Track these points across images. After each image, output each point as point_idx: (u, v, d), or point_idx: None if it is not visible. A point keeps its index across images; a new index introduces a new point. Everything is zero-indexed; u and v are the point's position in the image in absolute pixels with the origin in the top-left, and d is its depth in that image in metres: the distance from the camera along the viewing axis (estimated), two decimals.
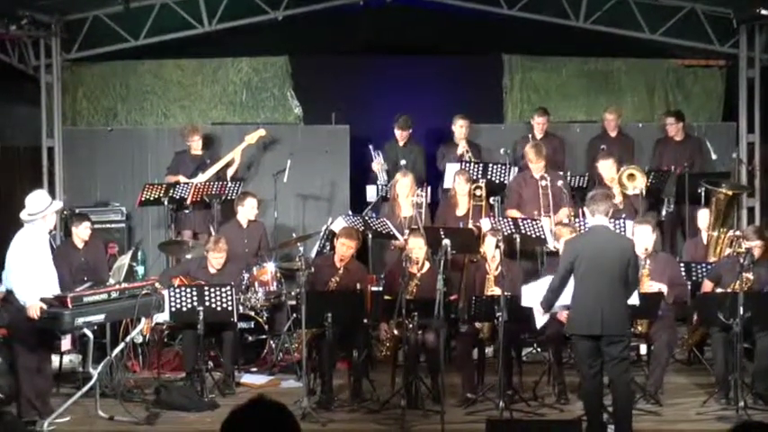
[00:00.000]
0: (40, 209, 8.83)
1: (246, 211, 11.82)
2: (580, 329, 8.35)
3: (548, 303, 8.63)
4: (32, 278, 8.67)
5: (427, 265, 10.10)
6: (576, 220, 11.29)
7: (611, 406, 8.50)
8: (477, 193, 11.84)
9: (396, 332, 9.70)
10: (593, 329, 8.23)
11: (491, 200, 12.01)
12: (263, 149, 13.42)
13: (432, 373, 9.70)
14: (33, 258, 8.74)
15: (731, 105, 13.84)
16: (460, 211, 11.81)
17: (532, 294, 9.12)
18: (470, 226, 11.48)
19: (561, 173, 12.16)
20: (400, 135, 12.96)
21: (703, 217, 11.66)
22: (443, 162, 12.77)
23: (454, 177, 11.97)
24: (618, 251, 8.33)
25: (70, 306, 8.55)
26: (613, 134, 13.21)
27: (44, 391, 9.01)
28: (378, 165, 12.83)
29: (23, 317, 8.64)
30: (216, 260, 10.63)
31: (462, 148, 12.75)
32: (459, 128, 12.87)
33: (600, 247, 8.34)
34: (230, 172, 12.87)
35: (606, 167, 11.79)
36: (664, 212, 12.83)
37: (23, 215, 8.86)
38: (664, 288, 9.60)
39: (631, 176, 11.71)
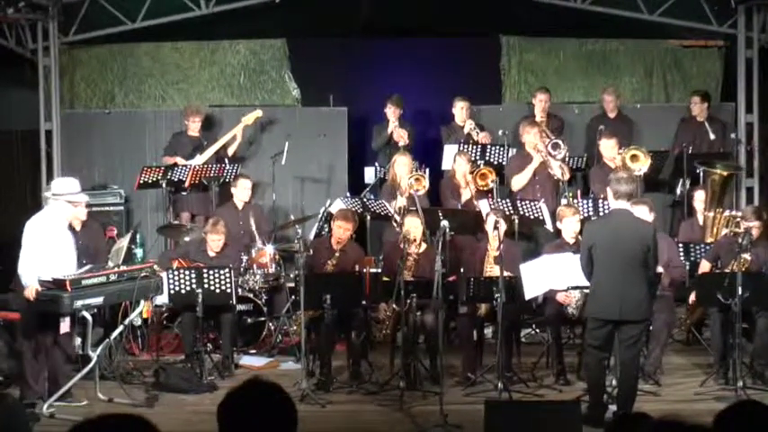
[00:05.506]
0: (51, 192, 8.89)
1: (240, 192, 11.83)
2: (597, 313, 8.34)
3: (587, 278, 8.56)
4: (34, 260, 8.69)
5: (424, 245, 10.12)
6: (576, 201, 11.28)
7: (615, 387, 8.51)
8: (484, 182, 11.82)
9: (395, 307, 9.68)
10: (610, 314, 8.22)
11: (489, 181, 11.97)
12: (261, 131, 13.41)
13: (430, 355, 9.73)
14: (37, 241, 8.76)
15: (729, 86, 13.79)
16: (465, 195, 11.74)
17: (530, 270, 9.15)
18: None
19: (562, 143, 12.00)
20: (393, 112, 12.76)
21: (699, 197, 11.64)
22: (449, 142, 12.66)
23: (454, 158, 11.92)
24: (637, 237, 8.25)
25: (69, 289, 8.55)
26: (612, 115, 13.11)
27: (50, 373, 9.01)
28: (394, 127, 12.72)
29: (25, 299, 8.68)
30: (214, 242, 10.63)
31: (469, 126, 12.67)
32: (460, 110, 12.74)
33: (618, 232, 8.26)
34: (231, 151, 12.85)
35: (608, 147, 11.77)
36: (678, 192, 12.79)
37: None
38: (660, 269, 9.58)
39: (635, 157, 11.70)
